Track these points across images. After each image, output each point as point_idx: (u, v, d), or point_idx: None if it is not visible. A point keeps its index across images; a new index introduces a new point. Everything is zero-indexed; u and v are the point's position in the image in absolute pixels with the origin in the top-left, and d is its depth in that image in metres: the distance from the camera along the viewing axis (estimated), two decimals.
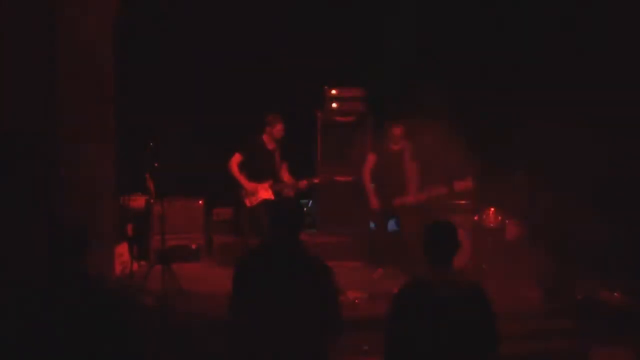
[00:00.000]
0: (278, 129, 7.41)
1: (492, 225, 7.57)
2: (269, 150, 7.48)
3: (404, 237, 7.42)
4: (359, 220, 8.33)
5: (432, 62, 8.67)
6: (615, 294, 6.63)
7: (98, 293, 3.17)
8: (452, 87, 7.71)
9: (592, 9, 7.85)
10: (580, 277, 6.87)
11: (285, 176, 7.57)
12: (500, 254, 7.40)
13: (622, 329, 6.01)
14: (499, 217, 7.58)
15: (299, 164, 7.94)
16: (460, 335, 3.38)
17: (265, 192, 7.36)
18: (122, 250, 7.46)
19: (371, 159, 7.64)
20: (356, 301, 6.30)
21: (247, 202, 7.34)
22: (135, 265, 7.26)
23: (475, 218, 7.69)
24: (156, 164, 6.83)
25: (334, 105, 8.93)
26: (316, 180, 7.78)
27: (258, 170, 7.38)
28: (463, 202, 7.97)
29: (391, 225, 7.76)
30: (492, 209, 7.61)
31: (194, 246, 8.35)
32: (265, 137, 7.46)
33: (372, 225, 8.03)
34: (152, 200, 7.87)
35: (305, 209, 8.93)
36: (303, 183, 7.53)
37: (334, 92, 8.91)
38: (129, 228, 7.84)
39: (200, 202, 8.40)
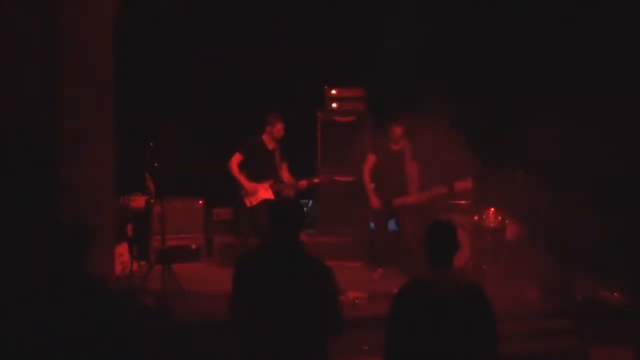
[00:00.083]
0: (278, 128, 7.41)
1: (492, 225, 7.57)
2: (269, 150, 7.48)
3: (404, 237, 7.42)
4: (359, 220, 8.34)
5: (432, 62, 8.67)
6: (615, 294, 6.64)
7: (98, 293, 3.17)
8: (452, 87, 7.71)
9: (592, 9, 7.86)
10: (580, 277, 6.88)
11: (285, 176, 7.57)
12: (500, 254, 7.40)
13: (622, 329, 6.01)
14: (499, 217, 7.58)
15: (299, 164, 7.94)
16: (460, 335, 3.37)
17: (265, 192, 7.36)
18: (122, 250, 7.47)
19: (371, 158, 7.64)
20: (356, 301, 6.30)
21: (247, 202, 7.34)
22: (135, 265, 7.25)
23: (475, 218, 7.69)
24: (156, 164, 6.83)
25: (334, 105, 8.92)
26: (316, 180, 7.78)
27: (258, 170, 7.38)
28: (463, 202, 7.98)
29: (391, 225, 7.77)
30: (492, 209, 7.61)
31: (194, 246, 8.35)
32: (265, 137, 7.46)
33: (372, 225, 8.04)
34: (152, 200, 7.88)
35: (305, 209, 8.93)
36: (303, 183, 7.53)
37: (334, 92, 8.91)
38: (129, 228, 7.84)
39: (200, 202, 8.40)
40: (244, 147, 7.36)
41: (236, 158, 7.33)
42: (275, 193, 7.42)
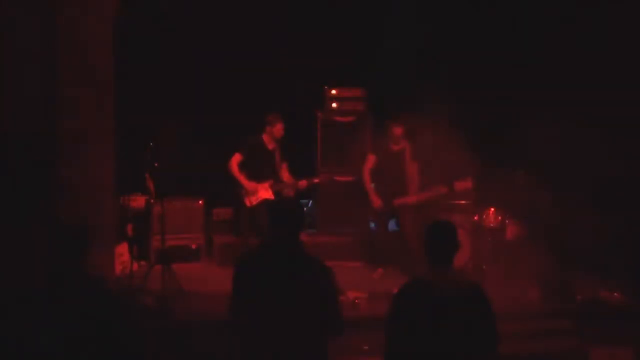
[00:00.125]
0: (278, 128, 7.42)
1: (492, 225, 7.57)
2: (269, 150, 7.48)
3: (404, 237, 7.42)
4: (359, 220, 8.34)
5: (432, 62, 8.67)
6: (615, 294, 6.64)
7: (98, 293, 3.17)
8: (452, 87, 7.71)
9: (592, 9, 7.86)
10: (580, 277, 6.88)
11: (285, 176, 7.57)
12: (500, 254, 7.41)
13: (622, 329, 6.01)
14: (499, 217, 7.58)
15: (299, 164, 7.94)
16: (460, 335, 3.37)
17: (265, 192, 7.36)
18: (122, 250, 7.46)
19: (371, 158, 7.64)
20: (356, 301, 6.29)
21: (247, 202, 7.34)
22: (135, 265, 7.24)
23: (475, 218, 7.69)
24: (156, 164, 6.82)
25: (334, 105, 8.92)
26: (316, 180, 7.78)
27: (258, 170, 7.38)
28: (463, 202, 7.97)
29: (391, 225, 7.77)
30: (492, 209, 7.61)
31: (194, 246, 8.35)
32: (265, 137, 7.46)
33: (372, 225, 8.04)
34: (152, 200, 7.88)
35: (305, 209, 8.93)
36: (303, 183, 7.53)
37: (334, 92, 8.90)
38: (129, 228, 7.84)
39: (200, 202, 8.40)
40: (244, 147, 7.36)
41: (236, 158, 7.33)
42: (275, 193, 7.42)
